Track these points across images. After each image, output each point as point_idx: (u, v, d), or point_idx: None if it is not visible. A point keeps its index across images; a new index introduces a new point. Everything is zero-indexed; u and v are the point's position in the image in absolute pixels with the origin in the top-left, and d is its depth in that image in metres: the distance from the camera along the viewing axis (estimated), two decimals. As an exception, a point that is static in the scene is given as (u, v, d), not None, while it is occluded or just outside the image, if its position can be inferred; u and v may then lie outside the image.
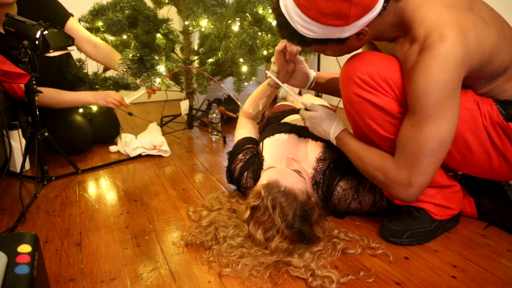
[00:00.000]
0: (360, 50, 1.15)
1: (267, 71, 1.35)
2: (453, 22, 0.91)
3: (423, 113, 0.93)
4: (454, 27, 0.90)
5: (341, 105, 1.39)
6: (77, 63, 1.99)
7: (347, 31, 0.96)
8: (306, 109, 1.23)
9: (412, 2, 0.98)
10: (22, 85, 1.57)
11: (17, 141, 1.62)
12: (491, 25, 0.96)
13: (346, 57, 1.12)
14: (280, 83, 1.29)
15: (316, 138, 1.32)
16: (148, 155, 1.88)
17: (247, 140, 1.43)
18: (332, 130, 1.17)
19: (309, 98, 1.80)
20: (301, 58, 1.34)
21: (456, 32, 0.90)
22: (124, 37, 2.04)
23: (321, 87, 1.41)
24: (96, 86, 1.99)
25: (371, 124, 1.05)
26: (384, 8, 0.95)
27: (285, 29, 1.00)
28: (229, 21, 1.94)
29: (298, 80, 1.37)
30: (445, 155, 0.98)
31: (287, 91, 1.28)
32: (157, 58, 1.76)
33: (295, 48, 1.26)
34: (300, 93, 2.51)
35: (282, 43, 1.26)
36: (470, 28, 0.92)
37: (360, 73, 1.01)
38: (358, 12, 0.92)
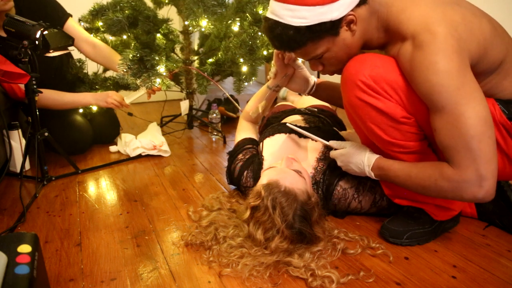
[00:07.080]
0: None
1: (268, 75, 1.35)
2: (439, 18, 0.92)
3: (452, 104, 0.89)
4: (441, 23, 0.91)
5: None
6: (77, 64, 1.99)
7: (336, 11, 0.96)
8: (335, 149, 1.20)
9: (395, 7, 0.98)
10: (22, 87, 1.57)
11: (17, 141, 1.62)
12: (481, 18, 0.96)
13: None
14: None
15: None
16: (148, 155, 1.88)
17: (247, 141, 1.43)
18: (366, 161, 1.09)
19: (309, 100, 1.80)
20: (300, 63, 1.33)
21: (444, 27, 0.90)
22: (124, 37, 2.03)
23: (321, 94, 1.39)
24: (96, 87, 1.99)
25: (373, 129, 1.03)
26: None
27: (277, 28, 0.99)
28: (229, 21, 1.94)
29: (297, 84, 1.37)
30: (494, 134, 0.91)
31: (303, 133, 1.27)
32: (157, 58, 1.77)
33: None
34: (300, 94, 2.51)
35: None
36: (458, 21, 0.92)
37: (363, 77, 0.99)
38: None
